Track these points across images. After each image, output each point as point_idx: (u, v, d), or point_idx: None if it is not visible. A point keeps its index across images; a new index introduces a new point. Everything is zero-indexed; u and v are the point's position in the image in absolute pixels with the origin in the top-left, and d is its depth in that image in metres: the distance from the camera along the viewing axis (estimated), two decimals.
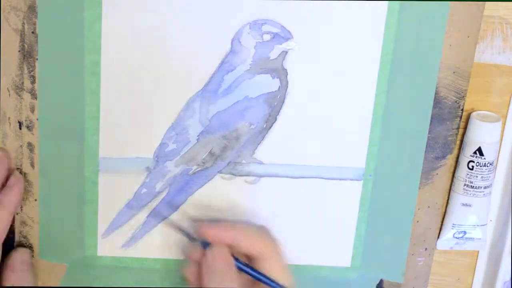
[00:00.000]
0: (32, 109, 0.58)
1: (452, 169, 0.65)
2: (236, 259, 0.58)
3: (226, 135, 0.60)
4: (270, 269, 0.57)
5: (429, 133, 0.62)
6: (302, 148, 0.62)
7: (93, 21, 0.57)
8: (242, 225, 0.61)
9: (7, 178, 0.58)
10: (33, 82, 0.58)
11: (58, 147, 0.59)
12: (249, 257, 0.58)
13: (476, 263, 0.69)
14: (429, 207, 0.64)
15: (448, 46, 0.60)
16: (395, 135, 0.62)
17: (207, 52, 0.58)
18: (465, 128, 0.64)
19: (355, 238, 0.64)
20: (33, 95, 0.58)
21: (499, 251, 0.68)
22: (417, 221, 0.64)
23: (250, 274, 0.57)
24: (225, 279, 0.56)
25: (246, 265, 0.58)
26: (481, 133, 0.63)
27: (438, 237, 0.67)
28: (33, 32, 0.56)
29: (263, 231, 0.60)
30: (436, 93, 0.61)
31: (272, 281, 0.57)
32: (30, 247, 0.61)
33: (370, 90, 0.61)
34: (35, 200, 0.60)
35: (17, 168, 0.59)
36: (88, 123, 0.59)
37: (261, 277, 0.57)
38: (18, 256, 0.60)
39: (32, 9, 0.56)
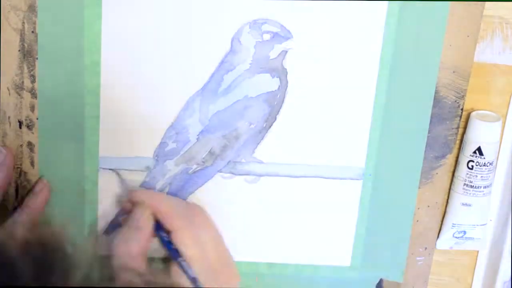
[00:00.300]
0: (32, 109, 0.58)
1: (452, 168, 0.65)
2: (158, 225, 0.58)
3: (226, 134, 0.60)
4: (176, 245, 0.58)
5: (429, 132, 0.62)
6: (302, 147, 0.62)
7: (93, 21, 0.57)
8: (166, 197, 0.61)
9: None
10: (33, 81, 0.58)
11: (58, 147, 0.59)
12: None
13: (475, 263, 0.69)
14: (428, 206, 0.64)
15: (448, 46, 0.60)
16: (395, 135, 0.62)
17: (207, 52, 0.58)
18: (465, 127, 0.64)
19: (355, 237, 0.64)
20: (33, 94, 0.58)
21: (499, 251, 0.68)
22: (417, 221, 0.64)
23: (162, 240, 0.58)
24: (135, 235, 0.57)
25: (163, 234, 0.58)
26: (481, 132, 0.63)
27: (438, 236, 0.67)
28: (33, 32, 0.56)
29: (184, 208, 0.60)
30: (436, 92, 0.61)
31: (176, 254, 0.58)
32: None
33: (370, 89, 0.60)
34: None
35: (17, 167, 0.59)
36: (88, 123, 0.59)
37: (168, 247, 0.58)
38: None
39: (32, 8, 0.56)
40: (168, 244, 0.58)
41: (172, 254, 0.58)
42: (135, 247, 0.56)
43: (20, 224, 0.58)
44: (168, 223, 0.58)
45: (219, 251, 0.59)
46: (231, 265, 0.60)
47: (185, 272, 0.57)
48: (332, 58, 0.59)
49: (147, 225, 0.58)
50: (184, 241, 0.57)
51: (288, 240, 0.64)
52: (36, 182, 0.60)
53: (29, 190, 0.59)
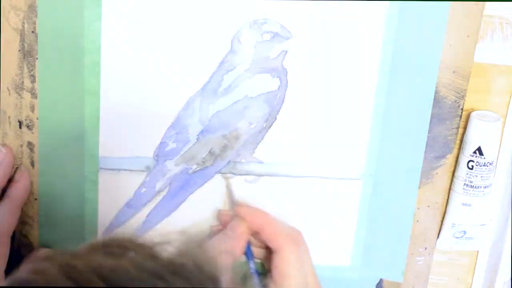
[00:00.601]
0: (32, 109, 0.58)
1: (452, 168, 0.65)
2: (248, 247, 0.59)
3: (226, 134, 0.61)
4: (280, 265, 0.58)
5: (429, 132, 0.62)
6: (302, 147, 0.62)
7: (93, 21, 0.57)
8: (271, 216, 0.61)
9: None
10: (33, 81, 0.58)
11: (58, 147, 0.59)
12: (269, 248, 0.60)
13: (476, 263, 0.69)
14: (429, 206, 0.64)
15: (448, 46, 0.60)
16: (395, 135, 0.62)
17: (207, 52, 0.58)
18: (465, 127, 0.64)
19: (355, 237, 0.65)
20: (33, 94, 0.58)
21: (499, 251, 0.68)
22: (417, 221, 0.64)
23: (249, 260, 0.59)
24: (230, 243, 0.58)
25: (250, 255, 0.59)
26: (481, 132, 0.63)
27: (438, 236, 0.67)
28: (33, 32, 0.57)
29: (290, 229, 0.60)
30: (436, 92, 0.61)
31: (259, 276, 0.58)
32: (29, 246, 0.61)
33: (370, 89, 0.61)
34: (35, 199, 0.60)
35: (17, 167, 0.59)
36: (88, 123, 0.59)
37: (251, 270, 0.59)
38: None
39: (32, 8, 0.56)
40: (256, 274, 0.59)
41: (255, 279, 0.59)
42: (227, 255, 0.57)
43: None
44: (273, 243, 0.58)
45: (314, 275, 0.60)
46: None
47: None
48: (332, 58, 0.59)
49: (244, 237, 0.59)
50: (288, 261, 0.58)
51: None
52: (15, 171, 0.59)
53: (10, 180, 0.59)
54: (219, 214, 0.62)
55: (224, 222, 0.61)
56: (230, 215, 0.61)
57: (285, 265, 0.58)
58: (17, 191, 0.59)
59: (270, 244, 0.59)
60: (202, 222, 0.63)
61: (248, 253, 0.60)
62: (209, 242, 0.58)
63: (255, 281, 0.59)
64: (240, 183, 0.62)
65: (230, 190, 0.62)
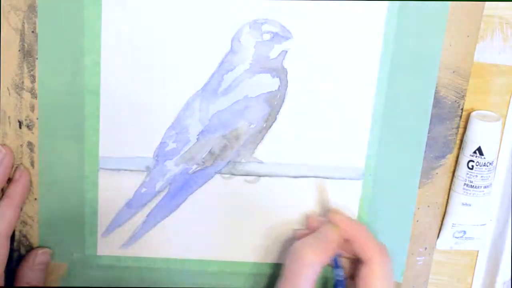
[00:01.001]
0: (32, 109, 0.58)
1: (452, 168, 0.65)
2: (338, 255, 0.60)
3: (226, 134, 0.60)
4: (367, 277, 0.58)
5: (429, 132, 0.62)
6: (302, 147, 0.62)
7: (93, 21, 0.57)
8: (363, 226, 0.61)
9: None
10: (33, 81, 0.58)
11: (58, 147, 0.59)
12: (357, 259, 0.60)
13: (475, 263, 0.69)
14: (428, 206, 0.64)
15: (448, 46, 0.60)
16: (395, 135, 0.62)
17: (207, 52, 0.58)
18: (465, 127, 0.64)
19: None
20: (33, 94, 0.58)
21: (499, 251, 0.68)
22: (417, 221, 0.64)
23: (337, 275, 0.60)
24: (323, 245, 0.58)
25: (339, 262, 0.60)
26: (481, 132, 0.63)
27: (438, 236, 0.67)
28: (33, 32, 0.57)
29: (379, 242, 0.60)
30: (436, 92, 0.61)
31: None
32: (29, 246, 0.61)
33: (370, 89, 0.60)
34: (35, 199, 0.60)
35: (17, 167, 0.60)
36: (88, 123, 0.59)
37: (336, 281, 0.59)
38: (41, 257, 0.61)
39: (32, 8, 0.56)
40: (341, 283, 0.59)
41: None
42: (315, 256, 0.57)
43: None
44: (364, 254, 0.58)
45: None
46: None
47: None
48: (332, 58, 0.59)
49: (335, 243, 0.59)
50: (377, 275, 0.58)
51: (288, 240, 0.64)
52: (15, 170, 0.59)
53: (9, 180, 0.59)
54: (307, 219, 0.62)
55: (312, 228, 0.61)
56: (320, 221, 0.61)
57: (373, 277, 0.58)
58: (17, 190, 0.59)
59: (361, 255, 0.59)
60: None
61: (336, 260, 0.60)
62: (295, 243, 0.58)
63: None
64: (240, 183, 0.62)
65: (323, 196, 0.62)
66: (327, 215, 0.61)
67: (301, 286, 0.56)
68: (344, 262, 0.61)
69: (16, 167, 0.59)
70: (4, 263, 0.57)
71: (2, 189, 0.59)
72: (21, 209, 0.60)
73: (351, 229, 0.60)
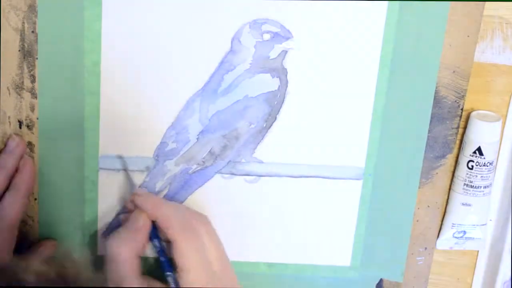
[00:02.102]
0: (32, 109, 0.58)
1: (452, 168, 0.65)
2: (154, 233, 0.58)
3: (226, 134, 0.60)
4: (176, 258, 0.56)
5: (429, 132, 0.62)
6: (302, 147, 0.62)
7: (93, 21, 0.57)
8: (168, 205, 0.60)
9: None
10: (33, 81, 0.58)
11: (58, 147, 0.59)
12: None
13: (475, 263, 0.69)
14: (428, 206, 0.64)
15: (448, 46, 0.60)
16: (395, 135, 0.62)
17: (207, 52, 0.58)
18: (465, 127, 0.64)
19: (355, 237, 0.64)
20: (33, 94, 0.58)
21: (499, 251, 0.68)
22: (417, 221, 0.65)
23: (155, 249, 0.58)
24: (131, 236, 0.56)
25: (157, 240, 0.58)
26: (481, 132, 0.63)
27: (438, 236, 0.67)
28: (33, 32, 0.57)
29: (187, 218, 0.58)
30: (436, 92, 0.61)
31: (166, 266, 0.57)
32: (29, 246, 0.61)
33: (370, 89, 0.61)
34: (35, 199, 0.60)
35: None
36: (88, 123, 0.59)
37: (160, 258, 0.58)
38: (48, 250, 0.61)
39: (32, 8, 0.56)
40: (160, 253, 0.58)
41: (162, 265, 0.57)
42: (129, 249, 0.56)
43: (36, 256, 0.58)
44: (169, 233, 0.57)
45: (223, 261, 0.58)
46: (234, 277, 0.59)
47: (171, 286, 0.56)
48: (332, 58, 0.59)
49: (144, 229, 0.57)
50: (184, 253, 0.56)
51: (288, 240, 0.64)
52: (8, 138, 0.59)
53: (16, 171, 0.58)
54: (125, 203, 0.60)
55: (130, 212, 0.59)
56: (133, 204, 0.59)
57: (181, 258, 0.56)
58: (23, 179, 0.58)
59: (167, 236, 0.57)
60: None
61: (152, 232, 0.58)
62: (109, 239, 0.57)
63: (162, 260, 0.57)
64: (240, 183, 0.62)
65: (128, 175, 0.60)
66: (132, 200, 0.59)
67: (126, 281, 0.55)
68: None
69: (9, 136, 0.59)
70: (11, 250, 0.57)
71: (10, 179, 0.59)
72: (28, 198, 0.60)
73: (154, 211, 0.58)
